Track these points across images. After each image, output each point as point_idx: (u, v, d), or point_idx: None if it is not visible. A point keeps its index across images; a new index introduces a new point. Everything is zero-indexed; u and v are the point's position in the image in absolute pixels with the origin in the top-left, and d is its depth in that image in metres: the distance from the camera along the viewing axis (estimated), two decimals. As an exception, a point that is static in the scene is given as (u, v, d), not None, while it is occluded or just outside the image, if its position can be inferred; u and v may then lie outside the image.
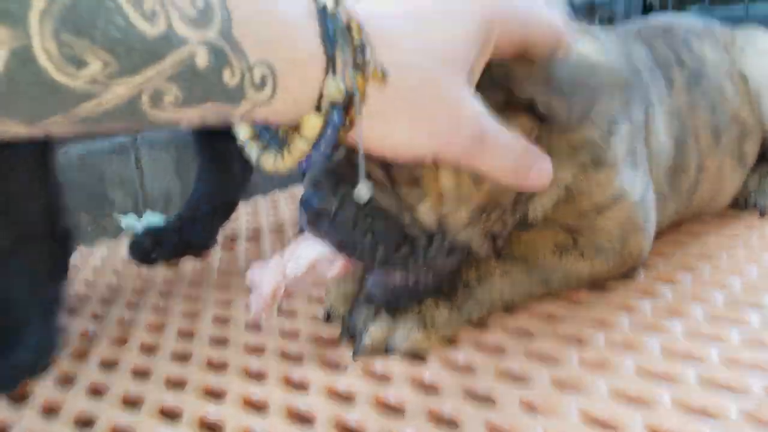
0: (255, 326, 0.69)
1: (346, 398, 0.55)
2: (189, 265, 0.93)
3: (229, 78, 0.35)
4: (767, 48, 0.89)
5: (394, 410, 0.52)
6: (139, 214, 1.20)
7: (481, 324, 0.64)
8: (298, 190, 1.32)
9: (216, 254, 0.97)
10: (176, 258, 0.95)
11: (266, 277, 0.55)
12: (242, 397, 0.56)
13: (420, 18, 0.43)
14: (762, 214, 0.90)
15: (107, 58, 0.30)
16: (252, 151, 0.46)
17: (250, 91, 0.36)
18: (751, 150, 0.88)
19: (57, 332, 0.65)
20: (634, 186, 0.66)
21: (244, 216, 1.15)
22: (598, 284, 0.69)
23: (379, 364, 0.59)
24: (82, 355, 0.67)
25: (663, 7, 2.22)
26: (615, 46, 0.74)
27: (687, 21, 0.93)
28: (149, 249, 0.94)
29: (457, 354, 0.59)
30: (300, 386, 0.57)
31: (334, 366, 0.60)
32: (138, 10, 0.31)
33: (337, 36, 0.39)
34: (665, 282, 0.71)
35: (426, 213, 0.55)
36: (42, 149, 0.64)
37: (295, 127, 0.42)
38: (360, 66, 0.40)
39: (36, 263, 0.63)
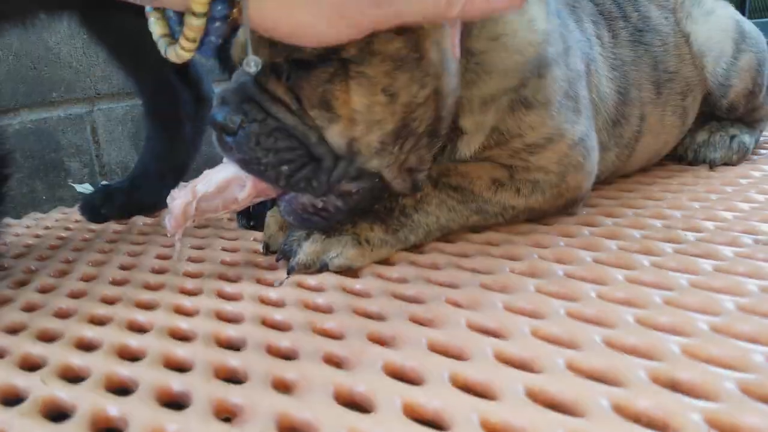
0: (195, 260, 0.69)
1: (275, 304, 0.54)
2: (140, 220, 0.92)
3: None
4: (711, 9, 0.91)
5: (323, 311, 0.52)
6: (95, 185, 1.18)
7: (417, 249, 0.64)
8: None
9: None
10: (126, 217, 0.94)
11: (177, 199, 0.56)
12: (173, 306, 0.55)
13: None
14: (711, 167, 0.92)
15: None
16: (162, 46, 0.47)
17: None
18: (692, 106, 0.90)
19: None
20: (574, 127, 0.67)
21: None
22: (538, 218, 0.70)
23: (312, 279, 0.58)
24: (21, 284, 0.66)
25: None
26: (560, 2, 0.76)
27: None
28: (99, 206, 0.93)
29: (391, 271, 0.59)
30: (232, 297, 0.57)
31: (267, 283, 0.59)
32: None
33: None
34: (606, 216, 0.71)
35: (336, 135, 0.54)
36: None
37: None
38: None
39: None
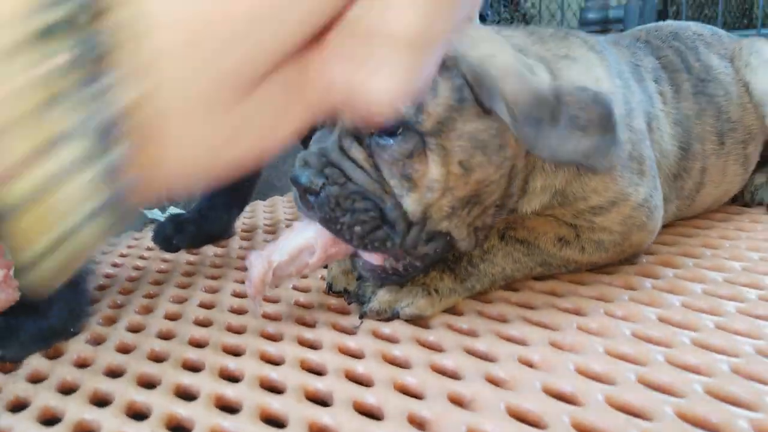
0: (268, 299, 0.73)
1: (355, 355, 0.58)
2: (210, 250, 0.97)
3: None
4: None
5: (400, 365, 0.56)
6: (162, 209, 1.24)
7: (484, 299, 0.67)
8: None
9: (235, 243, 1.01)
10: (196, 246, 0.99)
11: (255, 266, 0.60)
12: (259, 352, 0.60)
13: None
14: (768, 209, 0.93)
15: None
16: None
17: None
18: (754, 153, 0.91)
19: (87, 299, 0.70)
20: (638, 189, 0.68)
21: (261, 213, 1.19)
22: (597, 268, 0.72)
23: (387, 328, 0.62)
24: (111, 321, 0.71)
25: None
26: (624, 56, 0.78)
27: (696, 26, 0.96)
28: (171, 235, 0.98)
29: (460, 322, 0.62)
30: (313, 345, 0.61)
31: (343, 329, 0.63)
32: None
33: None
34: (666, 266, 0.73)
35: (412, 203, 0.58)
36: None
37: None
38: None
39: None
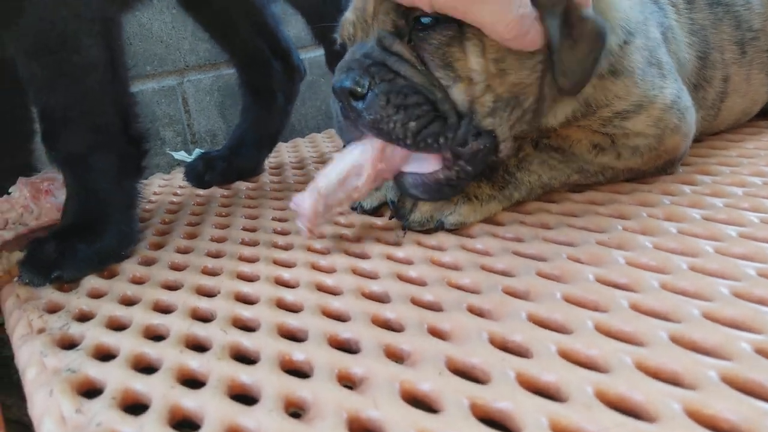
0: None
1: (405, 262, 0.59)
2: (243, 185, 0.98)
3: None
4: None
5: (449, 268, 0.57)
6: (188, 151, 1.25)
7: (524, 210, 0.68)
8: (333, 132, 1.37)
9: (265, 178, 1.02)
10: (227, 182, 1.00)
11: (305, 200, 0.60)
12: (311, 263, 0.61)
13: None
14: (799, 124, 0.92)
15: None
16: None
17: None
18: None
19: (136, 224, 0.72)
20: (663, 91, 0.68)
21: (286, 152, 1.20)
22: (637, 178, 0.72)
23: (432, 239, 0.63)
24: (159, 247, 0.72)
25: None
26: None
27: None
28: (202, 172, 0.99)
29: (504, 231, 0.63)
30: (361, 256, 0.62)
31: (390, 244, 0.64)
32: None
33: None
34: (704, 174, 0.73)
35: (459, 93, 0.58)
36: (113, 54, 0.68)
37: None
38: None
39: (114, 161, 0.69)
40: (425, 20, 0.57)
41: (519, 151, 0.67)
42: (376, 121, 0.56)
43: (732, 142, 0.86)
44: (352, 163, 0.60)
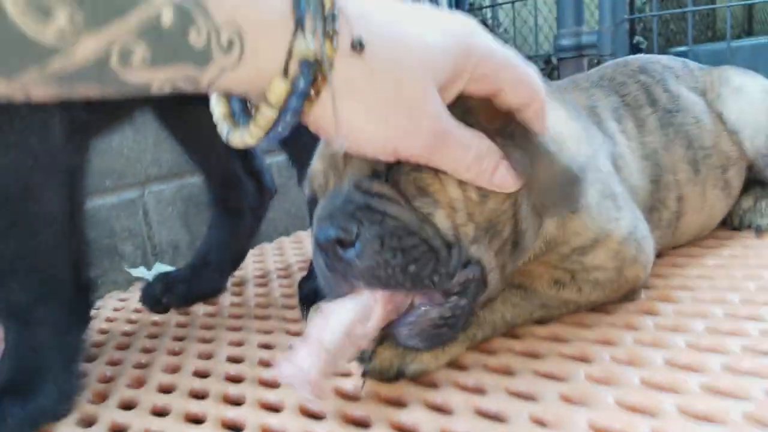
0: (268, 364, 0.71)
1: (361, 424, 0.56)
2: (201, 309, 0.95)
3: (196, 38, 0.36)
4: (740, 86, 0.93)
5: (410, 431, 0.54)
6: (148, 265, 1.22)
7: (488, 349, 0.66)
8: (305, 233, 1.36)
9: (226, 299, 0.99)
10: (186, 305, 0.97)
11: (306, 362, 0.50)
12: (261, 427, 0.57)
13: (402, 20, 0.45)
14: (758, 234, 0.93)
15: (73, 10, 0.32)
16: (223, 128, 0.47)
17: (217, 54, 0.37)
18: (736, 177, 0.91)
19: (77, 379, 0.67)
20: (619, 224, 0.68)
21: (251, 262, 1.17)
22: (598, 307, 0.71)
23: (393, 389, 0.60)
24: (102, 398, 0.68)
25: (649, 48, 2.28)
26: (580, 100, 0.79)
27: (666, 59, 0.97)
28: (160, 295, 0.96)
29: (467, 378, 0.61)
30: (314, 416, 0.59)
31: (347, 396, 0.61)
32: None
33: (308, 4, 0.40)
34: (665, 301, 0.73)
35: (442, 219, 0.55)
36: (72, 204, 0.66)
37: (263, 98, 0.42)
38: (329, 35, 0.40)
39: (59, 314, 0.65)
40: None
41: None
42: (372, 268, 0.52)
43: (692, 258, 0.86)
44: (358, 309, 0.53)
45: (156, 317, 0.94)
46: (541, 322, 0.70)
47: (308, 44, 0.40)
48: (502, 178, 0.54)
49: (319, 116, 0.44)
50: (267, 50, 0.40)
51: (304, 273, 0.93)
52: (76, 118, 0.64)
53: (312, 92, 0.42)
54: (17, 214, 0.61)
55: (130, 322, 0.94)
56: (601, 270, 0.68)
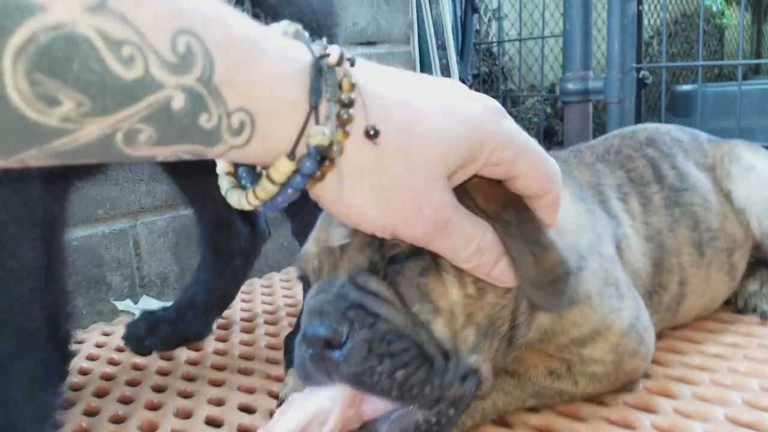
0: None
1: None
2: (183, 354, 0.92)
3: (206, 122, 0.36)
4: (751, 164, 0.91)
5: None
6: (135, 297, 1.19)
7: (477, 435, 0.63)
8: (294, 271, 1.33)
9: (210, 345, 0.96)
10: (170, 348, 0.94)
11: None
12: None
13: (418, 109, 0.44)
14: (763, 319, 0.90)
15: (80, 98, 0.31)
16: (223, 184, 0.46)
17: (226, 135, 0.37)
18: (741, 260, 0.89)
19: (53, 426, 0.64)
20: (620, 315, 0.66)
21: (239, 300, 1.14)
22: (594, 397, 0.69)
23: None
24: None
25: (655, 82, 2.25)
26: (585, 177, 0.77)
27: (675, 131, 0.95)
28: (143, 336, 0.93)
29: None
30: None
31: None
32: (115, 55, 0.31)
33: (325, 89, 0.39)
34: (664, 396, 0.70)
35: (442, 328, 0.53)
36: (51, 256, 0.64)
37: (267, 167, 0.42)
38: (344, 121, 0.40)
39: (34, 370, 0.63)
40: (400, 256, 0.53)
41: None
42: (357, 374, 0.50)
43: (692, 344, 0.83)
44: (316, 410, 0.52)
45: (138, 359, 0.92)
46: (533, 409, 0.67)
47: (321, 130, 0.39)
48: (502, 272, 0.52)
49: (322, 191, 0.43)
50: (277, 132, 0.39)
51: (292, 321, 0.91)
52: (53, 169, 0.61)
53: (318, 173, 0.41)
54: None
55: (112, 363, 0.91)
56: (600, 363, 0.65)
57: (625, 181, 0.81)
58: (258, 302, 1.15)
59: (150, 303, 1.17)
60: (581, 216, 0.68)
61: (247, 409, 0.73)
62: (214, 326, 1.01)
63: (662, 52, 1.80)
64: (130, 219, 1.20)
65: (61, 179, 0.66)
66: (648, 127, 0.95)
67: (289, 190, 0.42)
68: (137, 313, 1.07)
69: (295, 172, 0.41)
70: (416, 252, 0.52)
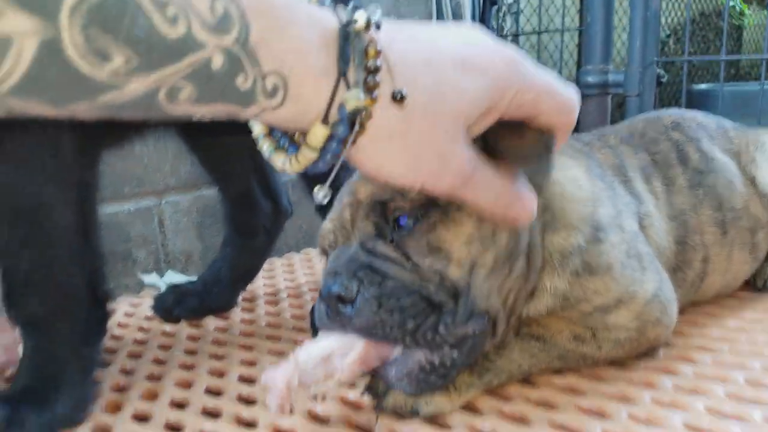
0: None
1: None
2: (212, 323, 0.95)
3: (242, 83, 0.38)
4: None
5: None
6: (160, 273, 1.22)
7: (503, 395, 0.65)
8: (314, 251, 1.35)
9: (236, 315, 0.98)
10: (197, 318, 0.97)
11: (280, 373, 0.55)
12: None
13: (439, 67, 0.45)
14: (783, 299, 0.92)
15: (129, 54, 0.33)
16: (264, 147, 0.48)
17: (260, 97, 0.39)
18: (764, 241, 0.91)
19: (92, 389, 0.67)
20: (643, 286, 0.68)
21: (261, 278, 1.17)
22: (616, 362, 0.71)
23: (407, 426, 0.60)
24: (116, 409, 0.68)
25: (670, 81, 2.25)
26: (608, 159, 0.79)
27: (701, 116, 0.96)
28: (171, 306, 0.96)
29: (482, 422, 0.60)
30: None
31: (361, 429, 0.61)
32: (161, 14, 0.34)
33: (353, 56, 0.41)
34: (685, 361, 0.72)
35: (455, 270, 0.56)
36: (85, 217, 0.67)
37: (304, 134, 0.44)
38: (371, 87, 0.42)
39: (75, 326, 0.65)
40: (403, 221, 0.57)
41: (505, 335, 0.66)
42: (368, 326, 0.54)
43: (713, 318, 0.85)
44: (340, 341, 0.56)
45: (167, 327, 0.94)
46: (557, 371, 0.69)
47: (350, 96, 0.42)
48: (519, 212, 0.54)
49: (355, 155, 0.46)
50: (309, 97, 0.41)
51: (315, 295, 0.93)
52: (87, 134, 0.64)
53: (351, 138, 0.43)
54: (31, 230, 0.62)
55: (142, 329, 0.94)
56: (623, 330, 0.67)
57: (648, 162, 0.83)
58: (280, 279, 1.17)
59: (175, 278, 1.19)
60: (598, 191, 0.70)
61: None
62: (239, 299, 1.04)
63: (684, 45, 1.80)
64: (155, 197, 1.23)
65: (93, 148, 0.69)
66: (674, 112, 0.96)
67: (328, 156, 0.44)
68: (163, 287, 1.10)
69: (330, 138, 0.43)
70: (421, 212, 0.56)
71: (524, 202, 0.54)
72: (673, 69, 2.12)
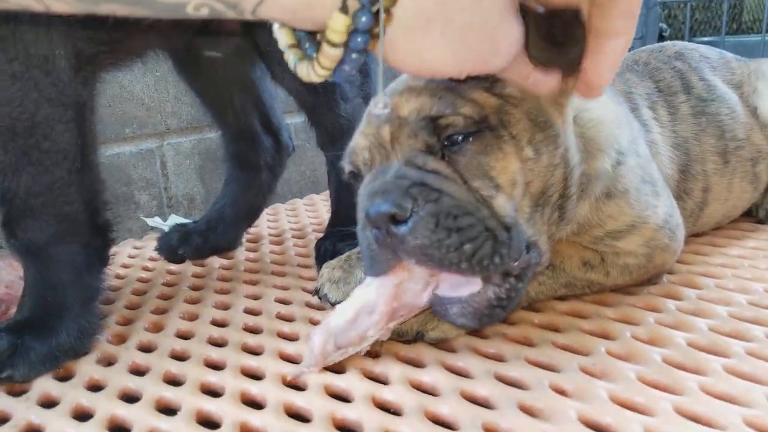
0: (285, 318, 0.71)
1: (381, 380, 0.56)
2: (217, 262, 0.95)
3: None
4: None
5: (427, 392, 0.54)
6: (163, 216, 1.22)
7: (507, 320, 0.66)
8: (318, 197, 1.35)
9: (241, 254, 0.99)
10: (202, 258, 0.97)
11: (316, 338, 0.56)
12: (280, 376, 0.58)
13: None
14: (785, 228, 0.92)
15: None
16: (290, 58, 0.44)
17: None
18: (765, 172, 0.90)
19: (96, 318, 0.67)
20: (656, 211, 0.67)
21: (265, 221, 1.17)
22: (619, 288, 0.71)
23: (412, 351, 0.60)
24: (121, 340, 0.69)
25: (672, 35, 2.23)
26: (617, 85, 0.78)
27: (704, 48, 0.95)
28: (176, 246, 0.96)
29: (487, 346, 0.61)
30: (334, 369, 0.59)
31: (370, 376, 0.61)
32: None
33: None
34: (688, 286, 0.72)
35: (503, 202, 0.54)
36: (84, 140, 0.65)
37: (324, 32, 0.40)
38: None
39: (76, 252, 0.65)
40: (457, 136, 0.53)
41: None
42: (425, 246, 0.50)
43: (715, 247, 0.85)
44: (364, 302, 0.56)
45: (172, 267, 0.94)
46: (562, 299, 0.70)
47: None
48: (545, 83, 0.50)
49: (387, 51, 0.41)
50: None
51: (319, 235, 0.93)
52: (82, 52, 0.62)
53: (376, 29, 0.39)
54: (27, 150, 0.60)
55: (146, 269, 0.94)
56: (632, 255, 0.67)
57: (653, 90, 0.82)
58: (284, 222, 1.17)
59: (178, 221, 1.20)
60: (621, 114, 0.69)
61: (283, 302, 0.76)
62: (244, 240, 1.04)
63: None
64: (156, 139, 1.22)
65: (89, 64, 0.66)
66: (677, 43, 0.95)
67: (353, 55, 0.40)
68: (167, 230, 1.11)
69: (353, 32, 0.39)
70: (474, 130, 0.53)
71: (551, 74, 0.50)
72: (675, 23, 2.07)
